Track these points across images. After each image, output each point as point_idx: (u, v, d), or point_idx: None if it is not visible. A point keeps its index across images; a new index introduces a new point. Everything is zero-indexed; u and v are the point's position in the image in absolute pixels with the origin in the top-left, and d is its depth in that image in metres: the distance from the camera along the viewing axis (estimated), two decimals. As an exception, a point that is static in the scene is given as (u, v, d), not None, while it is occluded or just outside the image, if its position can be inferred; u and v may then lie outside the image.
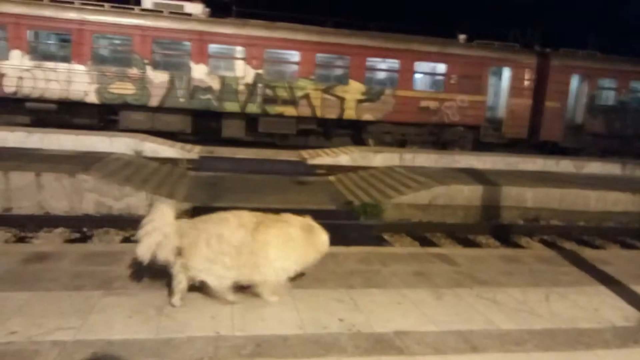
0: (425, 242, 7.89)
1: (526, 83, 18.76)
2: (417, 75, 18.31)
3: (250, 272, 3.36)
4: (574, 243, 8.48)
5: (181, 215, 3.64)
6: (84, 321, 3.10)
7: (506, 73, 18.95)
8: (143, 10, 16.01)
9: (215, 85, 16.35)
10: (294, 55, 16.97)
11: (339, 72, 17.76)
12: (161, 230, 3.31)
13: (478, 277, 4.46)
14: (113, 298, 3.48)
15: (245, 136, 17.11)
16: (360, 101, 17.36)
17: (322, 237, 3.61)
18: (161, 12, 16.01)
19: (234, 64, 16.88)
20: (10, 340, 2.82)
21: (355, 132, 18.02)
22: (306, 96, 16.96)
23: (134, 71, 15.83)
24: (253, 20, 16.88)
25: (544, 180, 11.08)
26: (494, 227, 8.91)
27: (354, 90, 17.27)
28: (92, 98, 15.64)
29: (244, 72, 16.54)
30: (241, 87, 16.51)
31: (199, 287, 3.75)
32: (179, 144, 14.85)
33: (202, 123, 16.86)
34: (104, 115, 16.21)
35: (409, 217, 9.21)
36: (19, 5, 14.95)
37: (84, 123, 15.67)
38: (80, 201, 8.10)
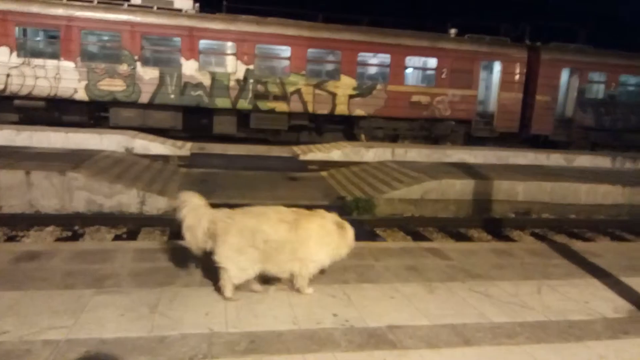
0: (417, 236, 7.92)
1: (517, 77, 18.83)
2: (408, 70, 18.34)
3: (289, 264, 3.50)
4: (565, 236, 8.56)
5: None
6: (76, 320, 3.09)
7: (497, 67, 19.01)
8: (132, 6, 15.87)
9: (206, 81, 16.26)
10: (285, 51, 16.91)
11: (330, 67, 17.74)
12: (198, 220, 3.43)
13: (470, 270, 4.49)
14: (105, 296, 3.47)
15: (236, 132, 17.05)
16: (351, 96, 17.35)
17: (351, 232, 3.77)
18: (150, 7, 15.88)
19: (225, 60, 16.79)
20: (1, 340, 2.80)
21: (347, 128, 18.02)
22: (298, 92, 16.92)
23: (123, 68, 15.70)
24: (244, 15, 16.79)
25: (535, 173, 11.16)
26: (485, 220, 8.97)
27: (345, 85, 17.25)
28: (82, 95, 15.49)
29: (235, 67, 16.46)
30: (232, 83, 16.44)
31: (189, 283, 3.75)
32: (170, 141, 14.78)
33: (193, 119, 16.78)
34: (93, 113, 16.07)
35: (401, 212, 9.24)
36: (7, 1, 14.75)
37: (73, 120, 15.53)
38: (71, 199, 8.04)
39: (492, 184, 9.71)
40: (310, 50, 16.94)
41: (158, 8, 15.95)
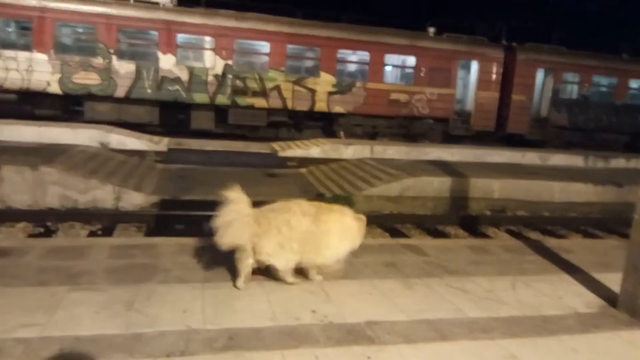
0: (395, 233, 7.98)
1: (494, 76, 19.13)
2: (387, 68, 18.44)
3: (313, 256, 3.72)
4: (539, 233, 8.73)
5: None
6: (50, 317, 3.02)
7: (474, 66, 19.27)
8: (108, -3, 15.57)
9: (184, 76, 16.08)
10: (265, 47, 16.83)
11: (309, 63, 17.72)
12: (240, 218, 3.53)
13: (447, 266, 4.55)
14: (80, 293, 3.40)
15: (214, 128, 16.91)
16: (331, 93, 17.37)
17: (364, 226, 3.98)
18: (127, 0, 15.60)
19: (203, 55, 16.63)
20: (-29, 339, 2.72)
21: (326, 125, 18.04)
22: (277, 88, 16.86)
23: (98, 61, 15.41)
24: (223, 10, 16.63)
25: (511, 172, 11.35)
26: (462, 218, 9.09)
27: (324, 82, 17.26)
28: (55, 88, 15.15)
29: (213, 62, 16.31)
30: (210, 78, 16.29)
31: (166, 280, 3.71)
32: (147, 136, 14.56)
33: (171, 114, 16.57)
34: (67, 106, 15.73)
35: (380, 209, 9.29)
36: (-24, -9, 14.33)
37: (46, 114, 15.17)
38: (44, 195, 7.85)
39: (469, 182, 9.84)
40: (289, 46, 16.90)
41: (135, 1, 15.68)
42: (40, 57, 14.93)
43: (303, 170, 12.40)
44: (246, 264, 3.61)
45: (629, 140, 21.13)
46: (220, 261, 4.23)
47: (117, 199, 8.17)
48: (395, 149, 15.02)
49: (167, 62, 15.89)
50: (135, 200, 8.29)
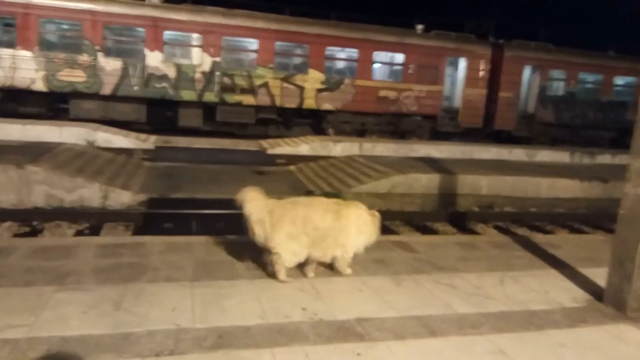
0: (385, 230, 7.94)
1: (481, 73, 19.23)
2: (376, 65, 18.45)
3: (332, 250, 3.88)
4: (526, 229, 8.80)
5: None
6: (37, 318, 2.98)
7: (462, 63, 19.35)
8: (94, -6, 15.37)
9: (171, 73, 15.95)
10: (253, 43, 16.76)
11: (298, 60, 17.68)
12: (254, 218, 3.73)
13: (436, 263, 4.57)
14: (67, 293, 3.36)
15: (202, 125, 16.81)
16: (319, 90, 17.35)
17: (379, 222, 4.18)
18: (113, -4, 15.43)
19: (191, 52, 16.51)
20: (-45, 341, 2.68)
21: (315, 122, 18.02)
22: (265, 85, 16.80)
23: (84, 58, 15.23)
24: (210, 6, 16.52)
25: (498, 168, 11.43)
26: (450, 214, 9.14)
27: (313, 79, 17.23)
28: (40, 86, 14.96)
29: (201, 59, 16.20)
30: (198, 75, 16.18)
31: (154, 279, 3.69)
32: (134, 134, 14.44)
33: (158, 112, 16.43)
34: (52, 104, 15.53)
35: (369, 206, 9.28)
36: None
37: (31, 112, 14.96)
38: (30, 194, 7.74)
39: (457, 178, 9.89)
40: (278, 43, 16.84)
41: (121, -3, 15.51)
42: (24, 54, 14.71)
43: (292, 167, 12.38)
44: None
45: (614, 136, 21.38)
46: (210, 259, 4.22)
47: (104, 197, 8.09)
48: (383, 146, 15.06)
49: (154, 59, 15.76)
50: (122, 198, 8.21)
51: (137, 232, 6.95)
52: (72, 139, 12.41)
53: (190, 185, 9.43)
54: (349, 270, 4.08)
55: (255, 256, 4.33)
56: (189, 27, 16.05)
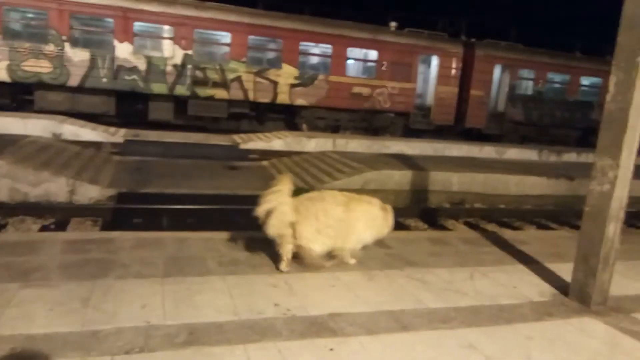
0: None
1: (453, 72, 19.50)
2: (349, 61, 18.49)
3: (341, 241, 4.02)
4: (496, 225, 8.98)
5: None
6: (0, 315, 2.88)
7: (435, 61, 19.57)
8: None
9: (141, 65, 15.63)
10: (225, 37, 16.56)
11: (272, 55, 17.56)
12: (280, 208, 3.80)
13: (408, 258, 4.62)
14: (32, 290, 3.26)
15: (173, 119, 16.54)
16: (293, 85, 17.29)
17: (391, 217, 4.33)
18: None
19: (162, 44, 16.21)
20: None
21: (288, 117, 17.95)
22: (238, 79, 16.64)
23: (50, 48, 14.77)
24: (182, -2, 16.25)
25: (469, 165, 11.62)
26: (422, 210, 9.24)
27: (287, 74, 17.16)
28: (3, 76, 14.44)
29: (172, 52, 15.93)
30: (169, 68, 15.91)
31: (124, 275, 3.62)
32: (102, 127, 14.10)
33: (127, 105, 16.09)
34: (16, 95, 15.02)
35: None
36: None
37: (-6, 103, 14.47)
38: (-8, 187, 7.49)
39: (429, 175, 10.01)
40: (251, 37, 16.70)
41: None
42: (-14, 42, 14.19)
43: (265, 162, 12.31)
44: (288, 249, 3.89)
45: (580, 135, 22.03)
46: (181, 255, 4.16)
47: (71, 192, 7.88)
48: (357, 142, 15.12)
49: (123, 50, 15.41)
50: (90, 193, 8.02)
51: (106, 227, 6.80)
52: (37, 132, 12.04)
53: (160, 180, 9.27)
54: (352, 260, 4.23)
55: (227, 252, 4.29)
56: (160, 19, 15.74)
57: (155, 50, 16.22)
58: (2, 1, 14.19)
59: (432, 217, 8.93)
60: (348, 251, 4.16)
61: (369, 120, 18.63)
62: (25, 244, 4.16)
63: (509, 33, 21.44)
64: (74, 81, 15.04)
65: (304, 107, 17.64)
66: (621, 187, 3.64)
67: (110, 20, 15.29)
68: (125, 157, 11.34)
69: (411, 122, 19.33)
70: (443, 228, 8.44)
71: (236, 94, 16.69)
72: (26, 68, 14.61)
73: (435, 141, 16.89)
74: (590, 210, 3.80)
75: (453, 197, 10.16)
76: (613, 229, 3.71)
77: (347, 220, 3.99)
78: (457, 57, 19.41)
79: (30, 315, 2.92)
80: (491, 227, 8.76)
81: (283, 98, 17.26)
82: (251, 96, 16.87)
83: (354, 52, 18.34)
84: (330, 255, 4.09)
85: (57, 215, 7.16)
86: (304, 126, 17.80)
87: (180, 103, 16.38)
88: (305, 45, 17.66)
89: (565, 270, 4.29)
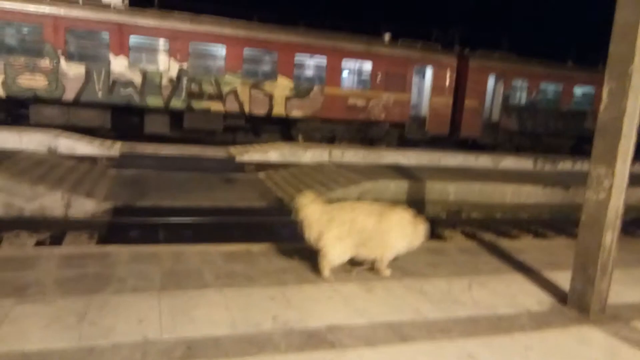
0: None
1: (447, 82, 19.60)
2: (344, 73, 18.58)
3: (374, 251, 4.16)
4: (493, 234, 8.99)
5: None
6: (-6, 333, 2.85)
7: (429, 72, 19.69)
8: (56, -3, 14.96)
9: (137, 79, 15.63)
10: (221, 50, 16.61)
11: (267, 67, 17.61)
12: (308, 221, 4.06)
13: (406, 269, 4.60)
14: (28, 306, 3.23)
15: (169, 132, 16.52)
16: (289, 97, 17.33)
17: (424, 228, 4.43)
18: (76, 1, 15.06)
19: (157, 57, 16.23)
20: None
21: (284, 129, 17.98)
22: (233, 91, 16.66)
23: (45, 62, 14.78)
24: (177, 11, 16.32)
25: (465, 175, 11.65)
26: (419, 220, 9.23)
27: (282, 86, 17.21)
28: (-2, 91, 14.41)
29: (167, 65, 15.96)
30: (165, 82, 15.92)
31: (120, 290, 3.60)
32: (98, 140, 14.06)
33: (123, 118, 16.07)
34: (11, 110, 14.99)
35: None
36: None
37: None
38: (-13, 202, 7.44)
39: (425, 185, 10.03)
40: (246, 49, 16.75)
41: (84, 2, 15.15)
42: (-19, 57, 14.18)
43: (261, 174, 12.31)
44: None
45: (574, 143, 22.14)
46: (178, 269, 4.13)
47: (67, 206, 7.84)
48: (353, 153, 15.13)
49: (119, 64, 15.42)
50: (86, 207, 7.98)
51: (102, 241, 6.77)
52: (32, 146, 12.00)
53: (156, 193, 9.25)
54: (387, 272, 4.32)
55: (224, 264, 4.27)
56: (155, 32, 15.79)
57: (150, 64, 16.24)
58: (-2, 16, 14.21)
59: (429, 227, 8.90)
60: (385, 262, 4.28)
61: (364, 131, 18.68)
62: (20, 259, 4.13)
63: (502, 42, 21.63)
64: (69, 95, 15.02)
65: (300, 119, 17.67)
66: (617, 196, 3.66)
67: (106, 34, 15.32)
68: (121, 171, 11.32)
69: (406, 132, 19.39)
70: (440, 238, 8.43)
71: (232, 106, 16.70)
72: (21, 83, 14.60)
73: (430, 151, 16.92)
74: (587, 219, 3.80)
75: (450, 207, 10.17)
76: (610, 237, 3.71)
77: (380, 230, 4.09)
78: (451, 67, 19.53)
79: (26, 332, 2.89)
80: (488, 236, 8.76)
81: (279, 110, 17.28)
82: (247, 108, 16.88)
83: (349, 63, 18.43)
84: (358, 263, 4.24)
85: (53, 230, 7.12)
86: (300, 137, 17.82)
87: (176, 116, 16.37)
88: (301, 57, 17.74)
89: (563, 279, 4.28)
